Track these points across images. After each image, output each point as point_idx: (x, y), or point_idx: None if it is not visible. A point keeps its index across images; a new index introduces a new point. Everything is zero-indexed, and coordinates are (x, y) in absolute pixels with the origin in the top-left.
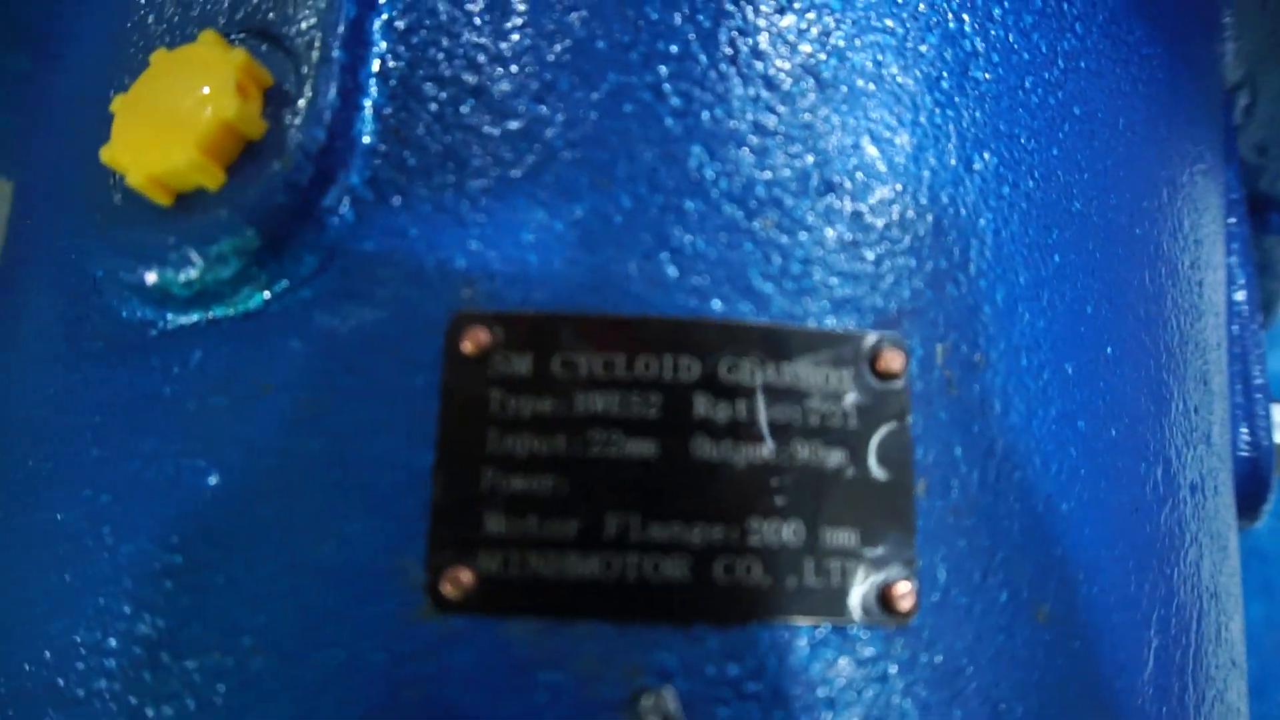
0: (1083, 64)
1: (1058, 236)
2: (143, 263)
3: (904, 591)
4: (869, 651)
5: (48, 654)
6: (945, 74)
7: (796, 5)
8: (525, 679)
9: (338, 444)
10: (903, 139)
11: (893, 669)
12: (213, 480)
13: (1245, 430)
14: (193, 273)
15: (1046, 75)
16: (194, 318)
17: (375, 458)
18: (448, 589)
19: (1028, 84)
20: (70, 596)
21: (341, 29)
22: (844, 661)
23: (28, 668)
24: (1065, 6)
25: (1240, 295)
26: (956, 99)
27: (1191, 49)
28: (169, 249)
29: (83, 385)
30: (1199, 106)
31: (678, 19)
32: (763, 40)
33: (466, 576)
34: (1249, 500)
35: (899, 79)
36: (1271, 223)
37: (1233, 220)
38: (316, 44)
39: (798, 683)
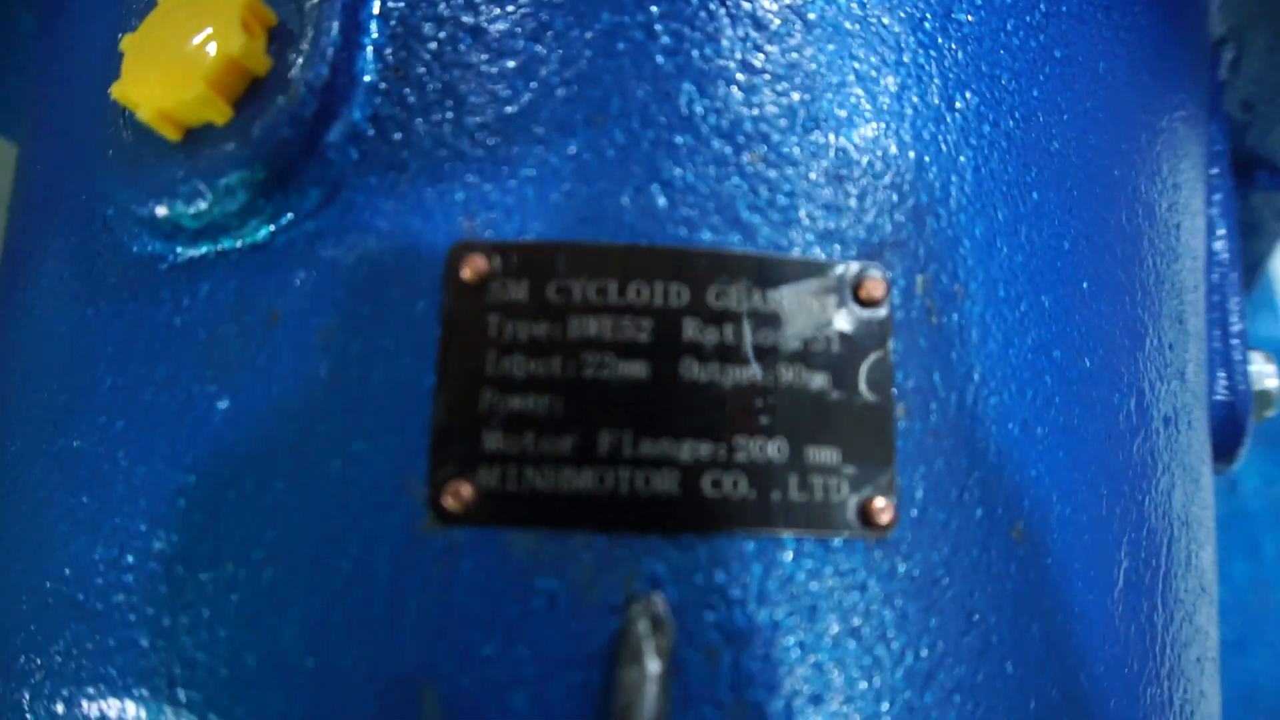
0: (1064, 8)
1: (1036, 174)
2: (153, 196)
3: (883, 506)
4: (849, 563)
5: (68, 571)
6: (928, 15)
7: None
8: (524, 586)
9: (344, 368)
10: (887, 79)
11: (872, 579)
12: (223, 405)
13: (1223, 375)
14: (202, 205)
15: (1028, 18)
16: (203, 250)
17: (380, 380)
18: (449, 502)
19: (1009, 26)
20: (89, 517)
21: None
22: (826, 571)
23: (49, 584)
24: None
25: (1220, 245)
26: (939, 40)
27: (1175, 1)
28: (178, 182)
29: (96, 319)
30: (1182, 58)
31: None
32: None
33: (467, 490)
34: (1226, 444)
35: (884, 20)
36: (1258, 180)
37: (1215, 171)
38: None
39: (781, 590)
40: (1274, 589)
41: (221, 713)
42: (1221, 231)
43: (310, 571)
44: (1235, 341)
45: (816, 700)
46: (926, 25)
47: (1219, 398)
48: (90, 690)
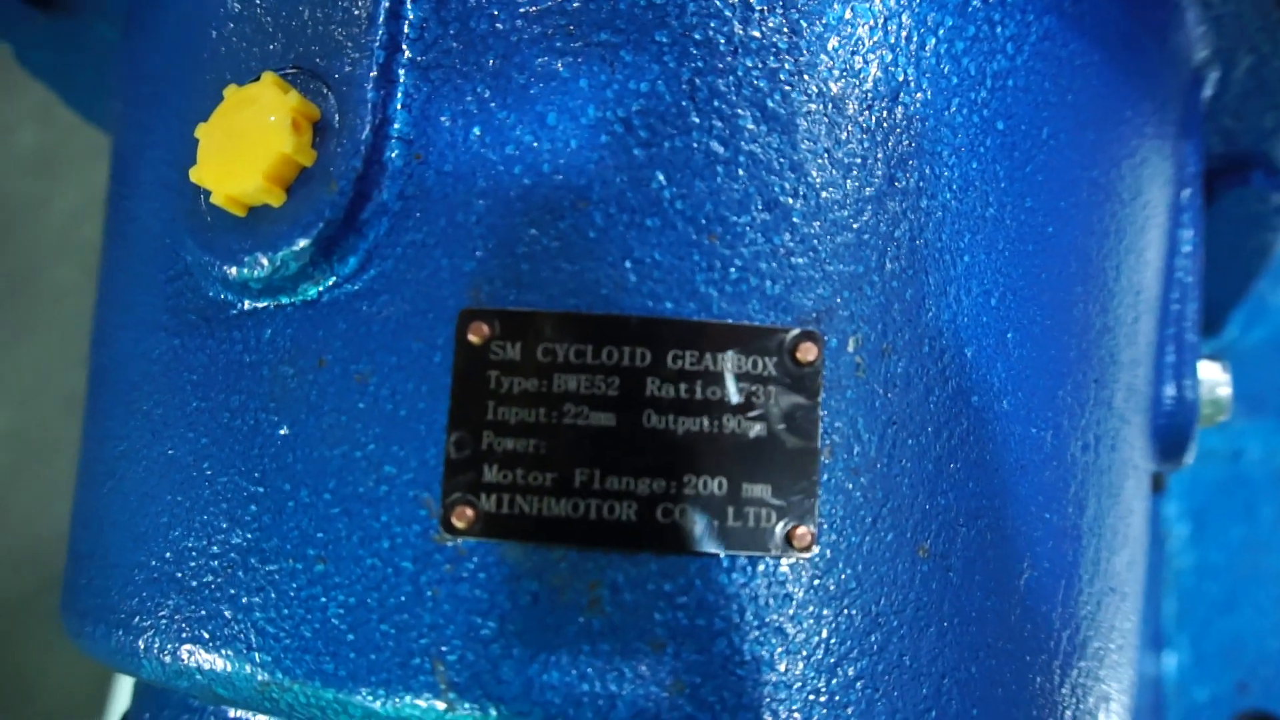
0: (1010, 82)
1: (969, 240)
2: (223, 260)
3: (804, 533)
4: (775, 577)
5: (168, 555)
6: (876, 101)
7: (752, 50)
8: (515, 586)
9: (376, 405)
10: (834, 160)
11: (797, 590)
12: (283, 431)
13: (1172, 389)
14: (261, 271)
15: (973, 96)
16: (265, 303)
17: (405, 417)
18: (457, 521)
19: (954, 105)
20: (183, 513)
21: (374, 73)
22: (755, 583)
23: (154, 563)
24: (998, 30)
25: (1183, 267)
26: (885, 124)
27: (1137, 50)
28: (244, 252)
29: (183, 350)
30: (1145, 98)
31: (647, 60)
32: (720, 83)
33: (471, 513)
34: (1174, 448)
35: (834, 109)
36: (1254, 180)
37: (1186, 193)
38: (354, 86)
39: (719, 597)
40: (1265, 552)
41: (285, 671)
42: (1187, 250)
43: (351, 566)
44: (1188, 356)
45: (739, 682)
46: (873, 111)
47: (1168, 408)
48: (188, 648)
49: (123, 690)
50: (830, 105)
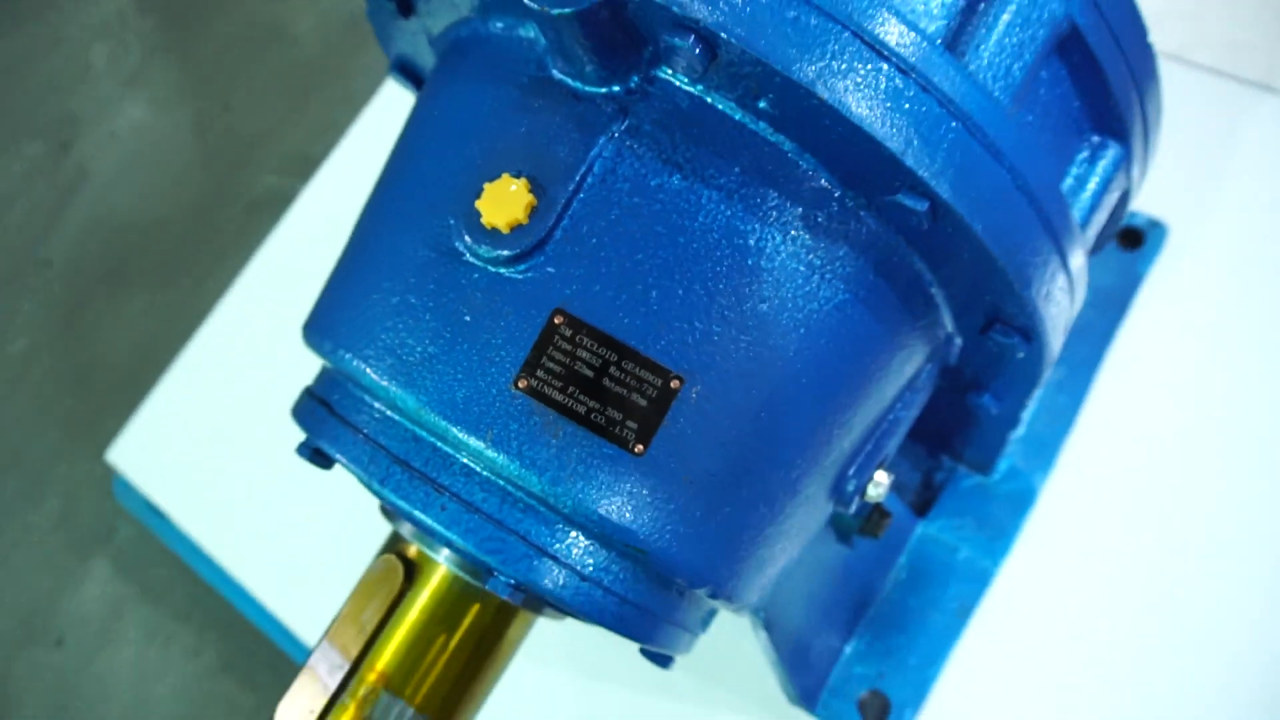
0: (837, 320)
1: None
2: (485, 244)
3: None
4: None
5: (374, 316)
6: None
7: None
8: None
9: (511, 323)
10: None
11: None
12: (467, 318)
13: (854, 473)
14: (500, 255)
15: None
16: (485, 267)
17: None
18: (519, 383)
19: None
20: (389, 307)
21: (571, 187)
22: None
23: (366, 317)
24: (830, 296)
25: (902, 411)
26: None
27: (916, 318)
28: (495, 245)
29: (425, 261)
30: (916, 336)
31: None
32: None
33: (524, 384)
34: (843, 505)
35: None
36: (977, 398)
37: (926, 369)
38: (556, 191)
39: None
40: (935, 610)
41: (433, 374)
42: (907, 401)
43: (463, 363)
44: (870, 463)
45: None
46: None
47: (847, 488)
48: (370, 366)
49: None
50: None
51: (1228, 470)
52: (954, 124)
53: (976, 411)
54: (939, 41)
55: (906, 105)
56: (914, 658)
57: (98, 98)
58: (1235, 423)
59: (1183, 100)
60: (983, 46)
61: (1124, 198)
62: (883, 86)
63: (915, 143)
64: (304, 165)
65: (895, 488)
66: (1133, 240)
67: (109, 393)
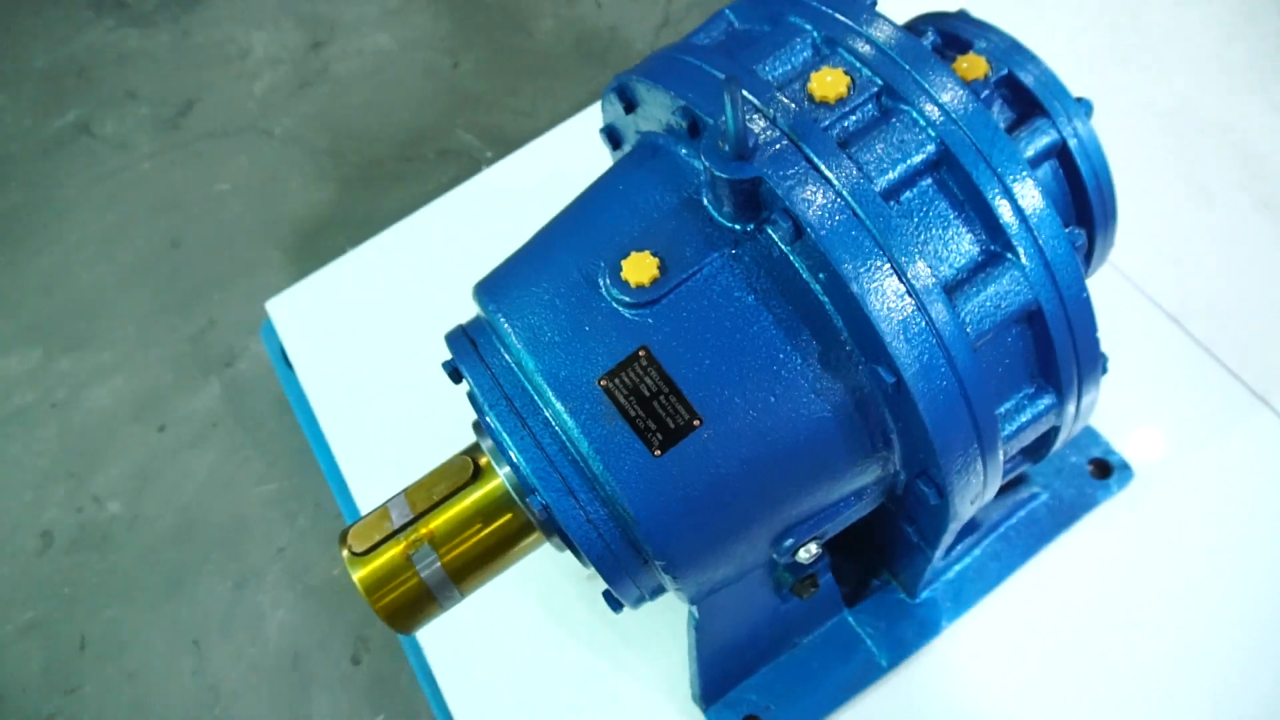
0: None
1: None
2: (615, 290)
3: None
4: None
5: (530, 293)
6: None
7: None
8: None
9: (618, 330)
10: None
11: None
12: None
13: (790, 544)
14: (628, 298)
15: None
16: (624, 301)
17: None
18: (601, 383)
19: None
20: (539, 290)
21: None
22: None
23: (526, 293)
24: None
25: (845, 510)
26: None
27: (867, 447)
28: (624, 295)
29: (577, 301)
30: (860, 460)
31: None
32: None
33: (604, 384)
34: (782, 558)
35: None
36: (907, 526)
37: (868, 491)
38: (684, 263)
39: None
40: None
41: (552, 353)
42: (847, 510)
43: (577, 343)
44: (803, 537)
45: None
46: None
47: (783, 547)
48: (519, 334)
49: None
50: None
51: (1106, 682)
52: (931, 340)
53: (906, 537)
54: (943, 287)
55: (903, 316)
56: (798, 706)
57: (358, 16)
58: (1121, 647)
59: (1199, 392)
60: (971, 299)
61: (1054, 431)
62: (892, 299)
63: (900, 341)
64: (497, 138)
65: (836, 576)
66: (1103, 471)
67: (283, 251)
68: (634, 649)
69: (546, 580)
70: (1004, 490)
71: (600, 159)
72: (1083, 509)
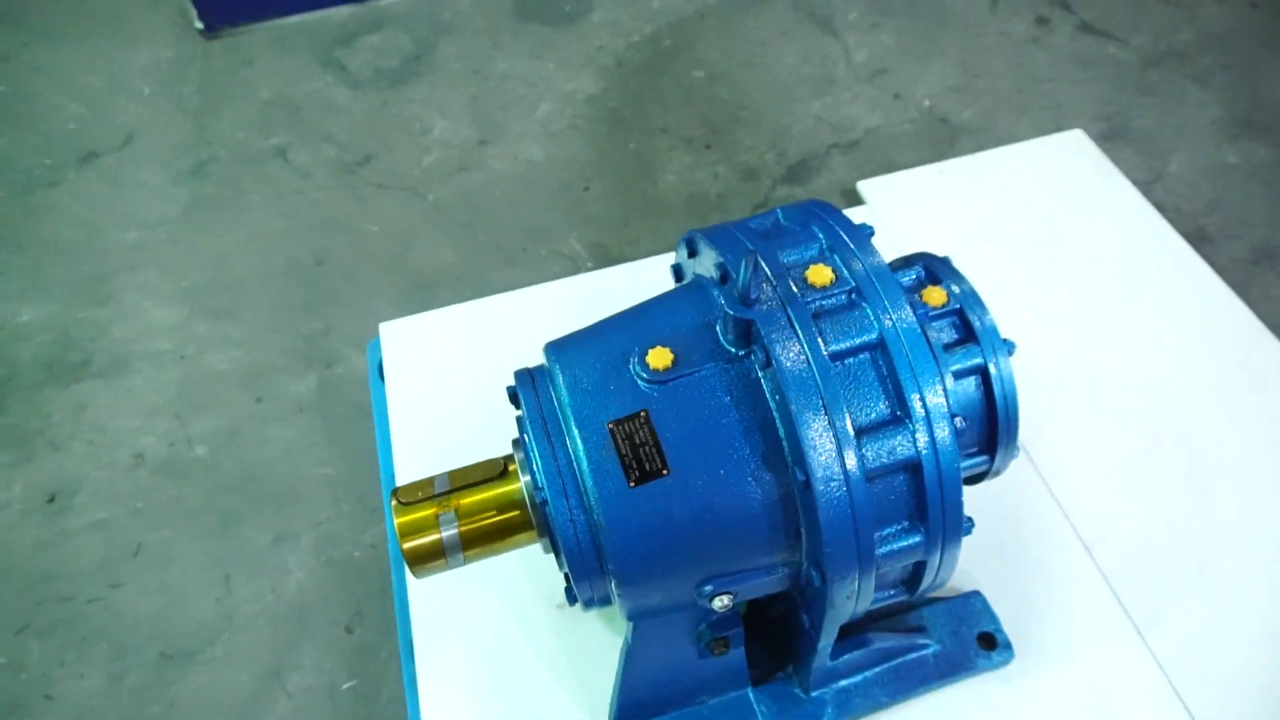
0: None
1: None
2: (639, 368)
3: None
4: None
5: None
6: None
7: None
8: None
9: (633, 395)
10: None
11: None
12: (633, 366)
13: (711, 589)
14: (643, 375)
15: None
16: (644, 379)
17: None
18: (609, 426)
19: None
20: (592, 378)
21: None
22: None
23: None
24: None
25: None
26: None
27: (784, 535)
28: (643, 373)
29: (611, 369)
30: (777, 540)
31: None
32: None
33: (609, 426)
34: (706, 635)
35: None
36: (802, 613)
37: (778, 569)
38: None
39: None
40: None
41: (584, 397)
42: (760, 578)
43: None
44: (723, 595)
45: None
46: None
47: (703, 595)
48: (565, 380)
49: None
50: None
51: None
52: (837, 458)
53: (802, 624)
54: (856, 429)
55: (823, 438)
56: None
57: (523, 129)
58: None
59: (1089, 611)
60: (873, 443)
61: (923, 565)
62: (818, 425)
63: (815, 453)
64: (600, 254)
65: (751, 660)
66: (989, 644)
67: (401, 289)
68: (577, 674)
69: (527, 603)
70: (902, 631)
71: (666, 287)
72: (964, 670)
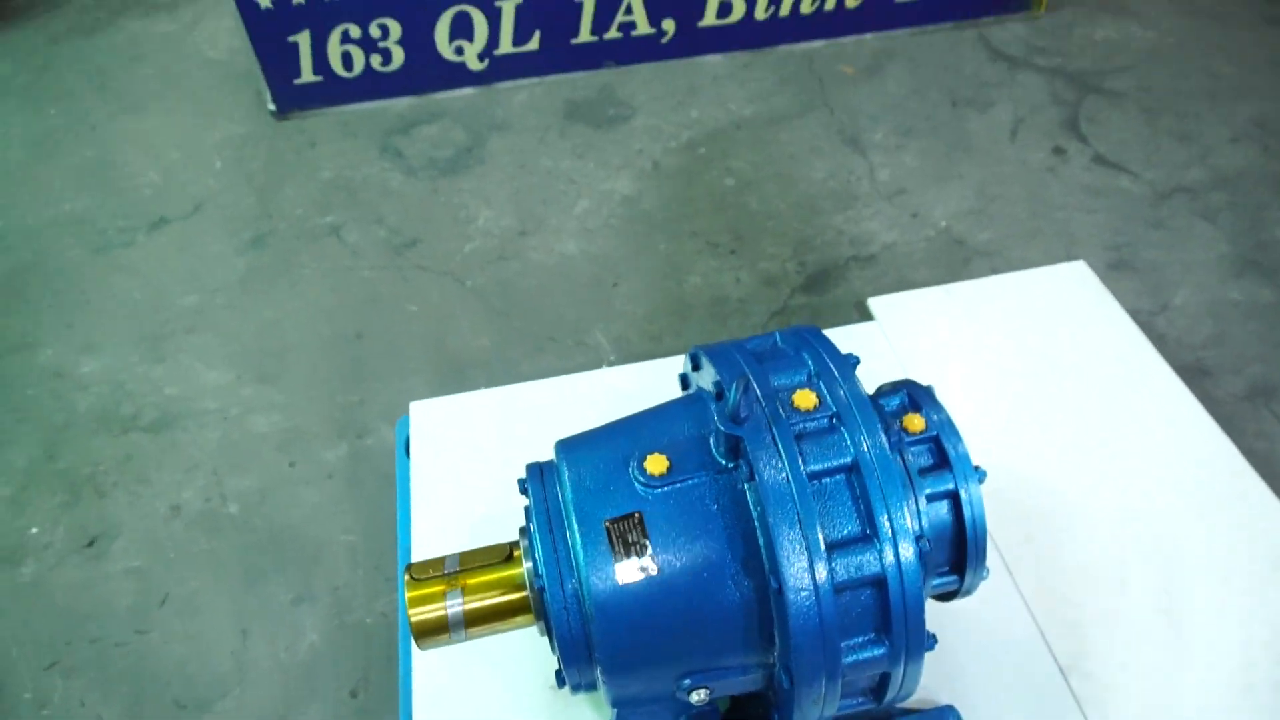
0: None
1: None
2: (637, 473)
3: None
4: None
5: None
6: None
7: None
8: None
9: (636, 490)
10: None
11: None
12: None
13: (690, 683)
14: (640, 480)
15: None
16: (645, 483)
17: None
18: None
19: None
20: (596, 468)
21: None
22: None
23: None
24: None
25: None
26: None
27: (759, 639)
28: (641, 479)
29: (612, 473)
30: (751, 641)
31: None
32: None
33: (607, 524)
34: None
35: None
36: (774, 713)
37: (751, 670)
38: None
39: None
40: None
41: (586, 495)
42: (734, 677)
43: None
44: (700, 690)
45: None
46: None
47: (681, 688)
48: (571, 477)
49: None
50: None
51: None
52: (808, 569)
53: None
54: (827, 543)
55: (796, 549)
56: None
57: (560, 224)
58: None
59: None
60: (843, 557)
61: (887, 676)
62: (793, 537)
63: (789, 563)
64: (623, 348)
65: None
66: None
67: (434, 369)
68: None
69: (523, 683)
70: None
71: (676, 388)
72: None
